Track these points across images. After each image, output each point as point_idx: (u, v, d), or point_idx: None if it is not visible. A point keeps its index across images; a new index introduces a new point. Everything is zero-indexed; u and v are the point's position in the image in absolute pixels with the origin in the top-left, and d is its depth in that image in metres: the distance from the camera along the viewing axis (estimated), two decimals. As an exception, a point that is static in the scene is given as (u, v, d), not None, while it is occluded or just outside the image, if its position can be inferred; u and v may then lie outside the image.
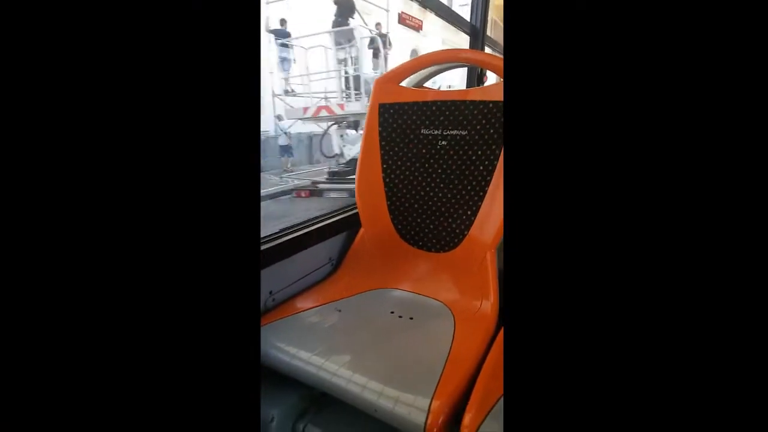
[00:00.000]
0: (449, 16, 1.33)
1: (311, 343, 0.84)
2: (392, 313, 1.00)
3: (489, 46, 1.63)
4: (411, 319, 0.97)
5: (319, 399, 1.04)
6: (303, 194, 5.43)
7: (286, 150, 9.23)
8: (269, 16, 7.03)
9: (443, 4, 1.27)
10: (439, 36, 12.25)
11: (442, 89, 1.22)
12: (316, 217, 1.17)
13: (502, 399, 0.69)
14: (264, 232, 1.00)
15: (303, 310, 0.97)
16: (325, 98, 6.11)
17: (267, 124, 8.51)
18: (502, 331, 0.87)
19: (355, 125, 6.50)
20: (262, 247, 0.95)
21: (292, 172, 8.80)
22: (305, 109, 6.23)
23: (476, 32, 1.44)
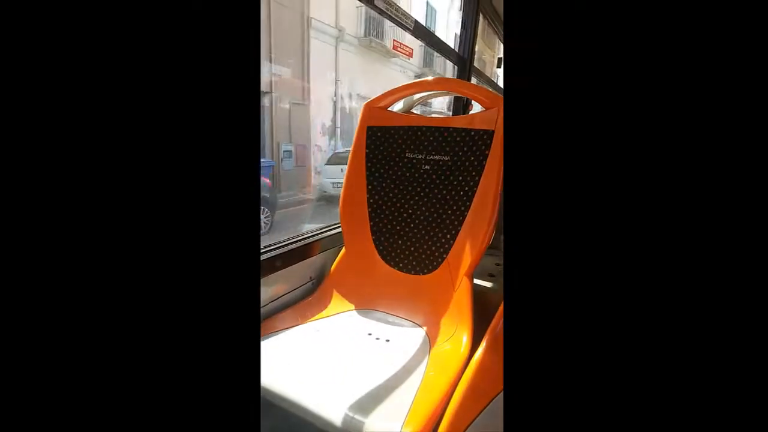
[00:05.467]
0: (438, 47, 1.39)
1: (286, 365, 0.88)
2: (369, 334, 1.03)
3: (474, 77, 1.68)
4: (387, 341, 1.00)
5: (291, 421, 1.07)
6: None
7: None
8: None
9: (434, 34, 1.34)
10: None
11: None
12: (299, 236, 1.23)
13: (473, 425, 0.71)
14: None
15: (281, 330, 1.02)
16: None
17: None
18: (475, 357, 0.88)
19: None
20: None
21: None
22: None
23: (463, 63, 1.51)
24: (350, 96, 11.07)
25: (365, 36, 11.22)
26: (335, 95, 10.60)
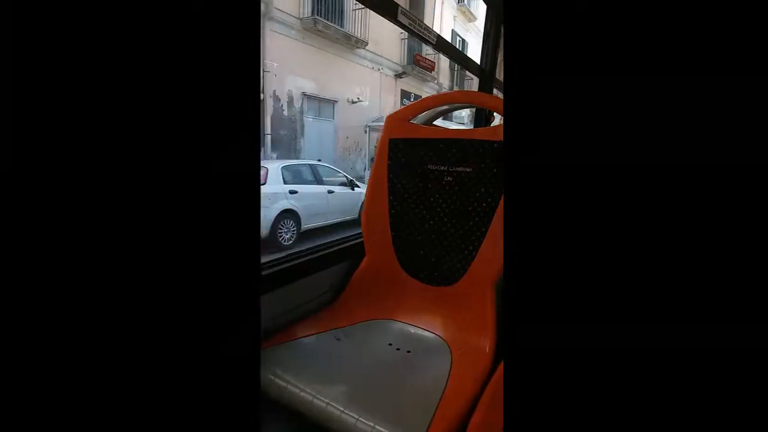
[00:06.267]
0: (460, 60, 1.46)
1: (308, 371, 0.88)
2: (390, 345, 1.06)
3: (497, 89, 1.77)
4: (408, 352, 1.03)
5: (312, 429, 1.07)
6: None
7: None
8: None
9: (456, 48, 1.41)
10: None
11: None
12: (321, 245, 1.23)
13: None
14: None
15: (302, 337, 1.02)
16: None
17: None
18: (499, 369, 0.93)
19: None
20: (267, 272, 1.00)
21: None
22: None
23: (485, 75, 1.59)
24: (290, 95, 8.70)
25: (310, 16, 8.47)
26: (263, 91, 8.04)
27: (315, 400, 0.80)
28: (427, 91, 12.88)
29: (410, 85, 12.33)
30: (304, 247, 1.18)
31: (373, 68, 10.75)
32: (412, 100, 11.81)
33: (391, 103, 11.48)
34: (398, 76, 11.69)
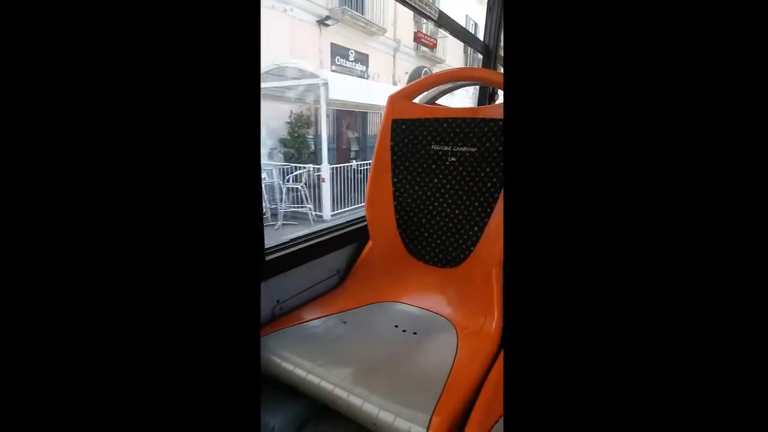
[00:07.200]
0: (463, 36, 1.43)
1: (314, 354, 0.90)
2: (396, 326, 1.07)
3: (501, 65, 1.72)
4: (414, 333, 1.04)
5: (320, 411, 1.10)
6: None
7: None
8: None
9: (459, 24, 1.38)
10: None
11: None
12: (326, 228, 1.25)
13: (503, 418, 0.75)
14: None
15: (308, 320, 1.04)
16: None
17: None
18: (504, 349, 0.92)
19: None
20: (272, 256, 1.03)
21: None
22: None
23: (489, 52, 1.55)
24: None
25: None
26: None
27: (322, 382, 0.82)
28: (375, 47, 9.87)
29: (347, 37, 8.98)
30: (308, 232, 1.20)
31: (273, 7, 7.23)
32: (351, 58, 9.41)
33: (314, 61, 8.01)
34: (322, 22, 8.25)
